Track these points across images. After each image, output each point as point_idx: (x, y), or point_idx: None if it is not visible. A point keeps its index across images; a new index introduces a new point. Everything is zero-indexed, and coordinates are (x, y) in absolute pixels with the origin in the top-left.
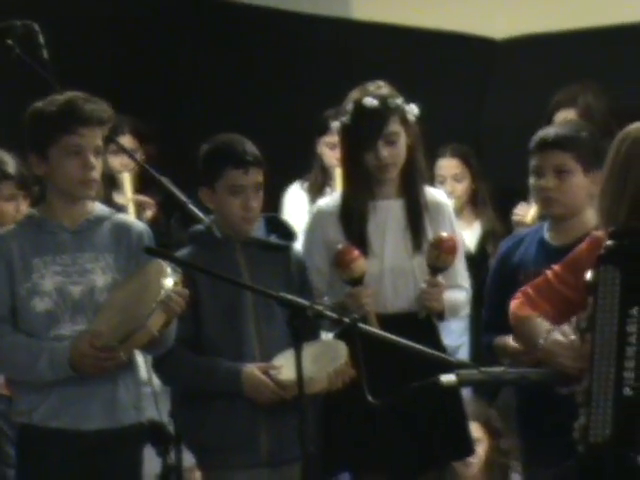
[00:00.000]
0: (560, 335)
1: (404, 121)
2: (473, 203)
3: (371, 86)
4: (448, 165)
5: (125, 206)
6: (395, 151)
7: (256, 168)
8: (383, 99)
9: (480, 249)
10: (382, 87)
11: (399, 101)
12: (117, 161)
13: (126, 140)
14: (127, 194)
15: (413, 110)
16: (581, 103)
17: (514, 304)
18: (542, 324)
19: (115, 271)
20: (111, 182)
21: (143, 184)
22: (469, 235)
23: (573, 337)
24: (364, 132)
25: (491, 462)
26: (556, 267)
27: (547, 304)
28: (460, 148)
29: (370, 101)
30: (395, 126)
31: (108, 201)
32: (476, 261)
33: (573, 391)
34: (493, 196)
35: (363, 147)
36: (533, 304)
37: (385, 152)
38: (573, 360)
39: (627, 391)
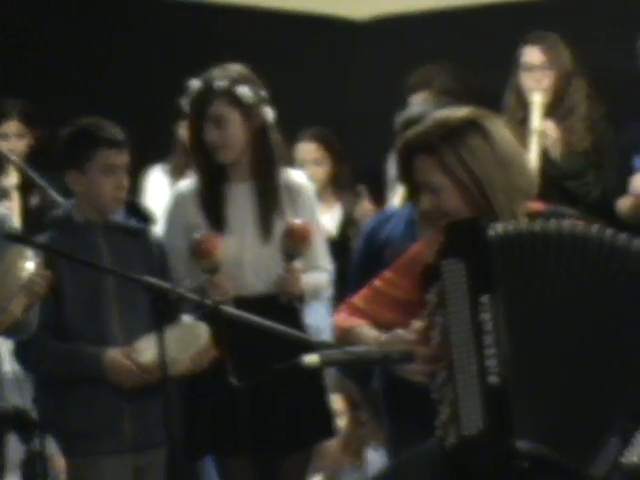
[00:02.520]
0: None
1: (236, 103)
2: (334, 186)
3: (217, 69)
4: (308, 149)
5: (8, 191)
6: (224, 133)
7: (126, 149)
8: (208, 80)
9: (342, 232)
10: (225, 69)
11: (228, 83)
12: (4, 145)
13: (14, 125)
14: (13, 179)
15: (245, 93)
16: (437, 85)
17: (337, 317)
18: (369, 332)
19: None
20: None
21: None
22: (330, 218)
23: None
24: (193, 114)
25: (351, 435)
26: (386, 273)
27: (386, 310)
28: (320, 131)
29: (195, 83)
30: (221, 108)
31: None
32: (338, 244)
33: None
34: (356, 179)
35: (197, 129)
36: (361, 313)
37: (212, 134)
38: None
39: (493, 379)
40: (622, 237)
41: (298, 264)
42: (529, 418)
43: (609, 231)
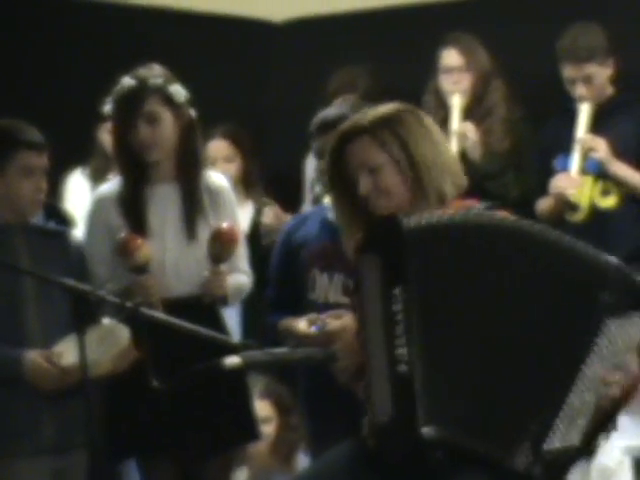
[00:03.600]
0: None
1: (168, 102)
2: (245, 183)
3: (143, 68)
4: (218, 147)
5: None
6: (157, 132)
7: (45, 151)
8: (142, 79)
9: (253, 229)
10: (152, 69)
11: (160, 81)
12: None
13: None
14: None
15: (178, 92)
16: (361, 86)
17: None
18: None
19: None
20: None
21: None
22: (241, 215)
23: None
24: (123, 112)
25: (280, 439)
26: None
27: None
28: (230, 129)
29: (128, 81)
30: (155, 106)
31: None
32: (250, 240)
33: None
34: (273, 176)
35: (126, 128)
36: None
37: (145, 131)
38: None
39: (402, 367)
40: (540, 230)
41: (223, 267)
42: (440, 407)
43: (528, 223)
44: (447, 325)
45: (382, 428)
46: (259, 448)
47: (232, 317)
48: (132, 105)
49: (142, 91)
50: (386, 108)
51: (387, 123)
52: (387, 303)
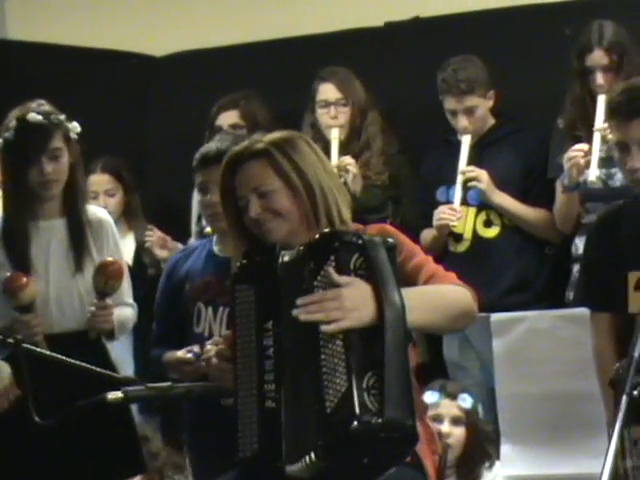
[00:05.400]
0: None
1: (67, 138)
2: (127, 216)
3: (33, 104)
4: (100, 180)
5: None
6: (59, 167)
7: None
8: (47, 114)
9: (136, 261)
10: (44, 105)
11: (62, 118)
12: None
13: None
14: None
15: (75, 128)
16: (243, 105)
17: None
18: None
19: None
20: None
21: None
22: (124, 248)
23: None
24: (28, 147)
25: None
26: None
27: None
28: (111, 162)
29: (34, 116)
30: (59, 142)
31: None
32: (133, 273)
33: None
34: (158, 209)
35: (27, 163)
36: None
37: (49, 168)
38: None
39: (269, 403)
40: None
41: (109, 300)
42: (302, 443)
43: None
44: (298, 359)
45: (246, 462)
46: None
47: (124, 350)
48: (38, 140)
49: (49, 126)
50: (279, 133)
51: (282, 147)
52: (260, 337)
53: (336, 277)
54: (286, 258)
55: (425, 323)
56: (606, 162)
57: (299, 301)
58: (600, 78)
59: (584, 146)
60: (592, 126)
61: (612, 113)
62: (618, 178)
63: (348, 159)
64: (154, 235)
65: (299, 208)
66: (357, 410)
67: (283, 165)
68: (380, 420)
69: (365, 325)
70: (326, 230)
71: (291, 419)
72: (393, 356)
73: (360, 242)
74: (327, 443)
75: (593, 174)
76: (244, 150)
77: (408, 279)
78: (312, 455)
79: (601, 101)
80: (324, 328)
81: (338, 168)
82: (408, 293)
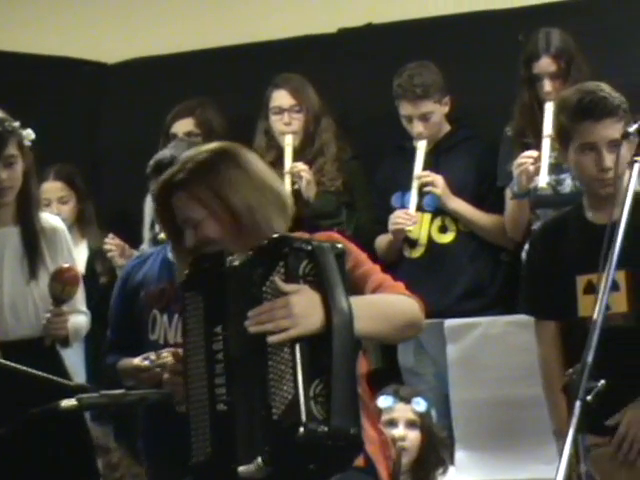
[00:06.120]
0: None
1: (21, 145)
2: (80, 223)
3: None
4: (53, 188)
5: None
6: (13, 174)
7: None
8: (1, 122)
9: (89, 268)
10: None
11: (16, 125)
12: None
13: None
14: None
15: (29, 135)
16: (198, 113)
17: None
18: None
19: None
20: None
21: None
22: (77, 255)
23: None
24: None
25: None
26: None
27: None
28: (63, 170)
29: None
30: (13, 149)
31: None
32: (86, 280)
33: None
34: (109, 215)
35: None
36: None
37: (4, 174)
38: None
39: (221, 406)
40: None
41: (64, 307)
42: (251, 443)
43: None
44: (247, 360)
45: (200, 467)
46: None
47: (76, 358)
48: None
49: (3, 133)
50: (202, 156)
51: (202, 176)
52: (210, 342)
53: (283, 285)
54: (236, 262)
55: (372, 332)
56: (555, 168)
57: (250, 313)
58: (548, 85)
59: (533, 153)
60: (540, 133)
61: (576, 115)
62: (568, 184)
63: (300, 165)
64: (115, 243)
65: (230, 231)
66: (303, 418)
67: (203, 196)
68: (326, 429)
69: (314, 332)
70: (276, 235)
71: (243, 421)
72: (340, 364)
73: (309, 248)
74: (273, 449)
75: (543, 180)
76: (168, 182)
77: (355, 287)
78: (259, 459)
79: (549, 108)
80: (270, 339)
81: (291, 174)
82: (355, 302)
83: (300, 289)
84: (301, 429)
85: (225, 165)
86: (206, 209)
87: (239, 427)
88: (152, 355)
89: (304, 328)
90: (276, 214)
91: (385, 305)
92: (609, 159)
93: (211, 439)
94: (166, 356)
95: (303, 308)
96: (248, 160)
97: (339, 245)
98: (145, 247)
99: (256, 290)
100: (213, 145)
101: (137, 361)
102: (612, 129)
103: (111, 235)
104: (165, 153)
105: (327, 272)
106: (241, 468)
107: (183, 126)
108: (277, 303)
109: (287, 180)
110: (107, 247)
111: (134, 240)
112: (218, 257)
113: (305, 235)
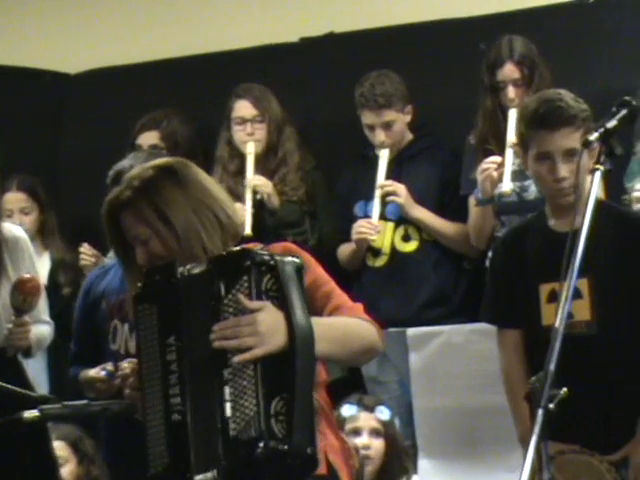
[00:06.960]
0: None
1: None
2: (42, 234)
3: None
4: (15, 198)
5: None
6: None
7: None
8: None
9: (51, 279)
10: None
11: None
12: None
13: None
14: None
15: None
16: (164, 126)
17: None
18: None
19: None
20: None
21: None
22: (40, 266)
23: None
24: None
25: None
26: None
27: None
28: (26, 181)
29: None
30: None
31: None
32: (49, 291)
33: None
34: (72, 227)
35: None
36: None
37: None
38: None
39: (175, 416)
40: None
41: (27, 317)
42: (207, 454)
43: None
44: (205, 370)
45: (159, 478)
46: None
47: (38, 368)
48: None
49: None
50: (148, 174)
51: (145, 195)
52: (164, 352)
53: (248, 303)
54: (195, 271)
55: (329, 354)
56: (520, 175)
57: (215, 327)
58: (511, 92)
59: (497, 158)
60: (504, 140)
61: (532, 124)
62: (532, 191)
63: (257, 180)
64: (90, 253)
65: (175, 250)
66: (263, 435)
67: (147, 216)
68: (286, 447)
69: (278, 351)
70: (237, 248)
71: (198, 431)
72: (302, 383)
73: (272, 263)
74: (230, 464)
75: (507, 185)
76: (115, 201)
77: (315, 307)
78: (215, 472)
79: (512, 115)
80: (236, 359)
81: (254, 184)
82: (316, 323)
83: (264, 306)
84: (260, 445)
85: (169, 184)
86: (151, 228)
87: (194, 437)
88: (109, 365)
89: (270, 347)
90: (214, 236)
91: (344, 329)
92: (564, 169)
93: (168, 449)
94: (125, 367)
95: (268, 326)
96: (190, 178)
97: (297, 259)
98: (111, 256)
99: (215, 303)
100: (159, 162)
101: (93, 372)
102: (568, 139)
103: (86, 245)
104: (124, 164)
105: (289, 288)
106: (198, 477)
107: (148, 138)
108: (243, 320)
109: (249, 190)
110: (82, 256)
111: (97, 250)
112: (170, 268)
113: (259, 246)
